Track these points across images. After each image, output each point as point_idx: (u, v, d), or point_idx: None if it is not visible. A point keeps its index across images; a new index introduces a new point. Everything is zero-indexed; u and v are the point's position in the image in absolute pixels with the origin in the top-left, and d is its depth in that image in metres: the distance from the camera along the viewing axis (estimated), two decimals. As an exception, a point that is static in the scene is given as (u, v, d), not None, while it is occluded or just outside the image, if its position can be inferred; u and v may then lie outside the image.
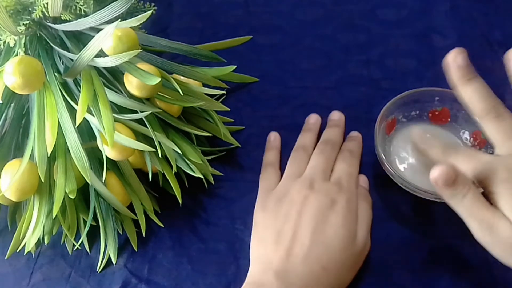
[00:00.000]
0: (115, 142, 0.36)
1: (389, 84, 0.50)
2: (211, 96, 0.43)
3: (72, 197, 0.38)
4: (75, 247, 0.42)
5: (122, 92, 0.40)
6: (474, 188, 0.31)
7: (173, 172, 0.41)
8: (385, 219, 0.42)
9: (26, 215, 0.40)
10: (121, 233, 0.43)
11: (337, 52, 0.53)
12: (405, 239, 0.41)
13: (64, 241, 0.43)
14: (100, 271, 0.42)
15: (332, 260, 0.37)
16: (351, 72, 0.52)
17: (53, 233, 0.41)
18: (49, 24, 0.39)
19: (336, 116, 0.48)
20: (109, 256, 0.42)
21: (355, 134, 0.47)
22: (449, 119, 0.46)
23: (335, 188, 0.40)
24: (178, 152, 0.40)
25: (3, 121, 0.40)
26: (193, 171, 0.41)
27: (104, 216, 0.41)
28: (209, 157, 0.45)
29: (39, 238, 0.40)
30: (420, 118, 0.46)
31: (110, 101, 0.37)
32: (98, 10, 0.36)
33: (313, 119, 0.48)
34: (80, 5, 0.40)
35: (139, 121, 0.39)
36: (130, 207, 0.42)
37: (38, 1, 0.38)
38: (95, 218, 0.41)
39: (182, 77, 0.43)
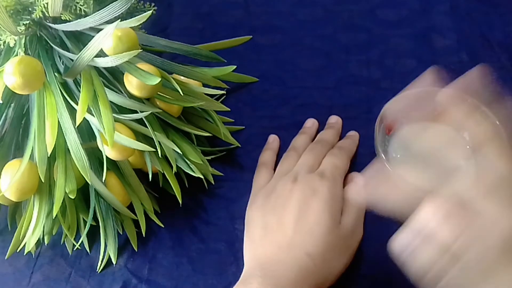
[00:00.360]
0: (115, 142, 0.36)
1: (389, 84, 0.50)
2: (211, 96, 0.43)
3: (72, 197, 0.38)
4: (75, 247, 0.42)
5: (122, 92, 0.40)
6: None
7: (173, 172, 0.41)
8: (384, 218, 0.42)
9: (26, 215, 0.40)
10: (121, 233, 0.43)
11: (337, 52, 0.53)
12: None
13: (64, 241, 0.43)
14: (100, 271, 0.42)
15: (316, 246, 0.37)
16: (351, 72, 0.52)
17: (53, 233, 0.41)
18: (49, 24, 0.39)
19: (333, 119, 0.48)
20: (109, 256, 0.42)
21: (351, 133, 0.47)
22: (449, 119, 0.46)
23: (317, 177, 0.40)
24: (178, 152, 0.40)
25: (3, 121, 0.40)
26: (193, 171, 0.41)
27: (104, 216, 0.41)
28: (209, 157, 0.45)
29: (39, 238, 0.40)
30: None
31: (110, 101, 0.37)
32: (98, 10, 0.36)
33: (309, 123, 0.48)
34: (80, 5, 0.40)
35: (139, 121, 0.39)
36: (130, 207, 0.42)
37: (38, 1, 0.38)
38: (95, 218, 0.41)
39: (182, 77, 0.43)
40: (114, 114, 0.36)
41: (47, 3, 0.37)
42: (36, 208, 0.39)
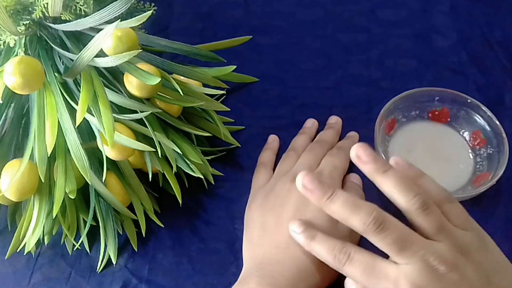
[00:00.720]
0: (115, 142, 0.36)
1: (389, 84, 0.51)
2: (211, 96, 0.43)
3: (72, 197, 0.38)
4: (75, 247, 0.42)
5: (122, 92, 0.40)
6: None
7: (173, 172, 0.41)
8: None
9: (26, 215, 0.40)
10: (121, 233, 0.43)
11: (337, 52, 0.53)
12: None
13: (64, 241, 0.43)
14: (100, 271, 0.42)
15: None
16: (351, 72, 0.52)
17: (53, 233, 0.41)
18: (49, 24, 0.39)
19: (333, 120, 0.48)
20: (109, 256, 0.42)
21: (351, 133, 0.47)
22: (449, 119, 0.46)
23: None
24: (178, 152, 0.40)
25: (3, 121, 0.40)
26: (193, 171, 0.41)
27: (104, 216, 0.41)
28: (209, 157, 0.45)
29: (39, 238, 0.40)
30: (420, 118, 0.46)
31: (110, 101, 0.37)
32: (98, 10, 0.36)
33: (309, 123, 0.48)
34: (80, 5, 0.40)
35: (139, 121, 0.39)
36: (130, 207, 0.42)
37: (38, 1, 0.38)
38: (95, 218, 0.41)
39: (182, 77, 0.43)
40: (114, 114, 0.36)
41: (47, 3, 0.37)
42: (36, 208, 0.39)
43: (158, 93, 0.40)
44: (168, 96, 0.41)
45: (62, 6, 0.37)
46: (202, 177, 0.42)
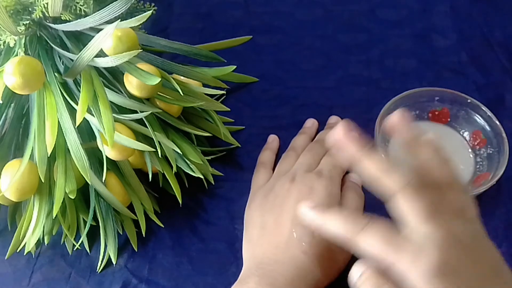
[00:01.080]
0: (115, 142, 0.36)
1: (389, 84, 0.51)
2: (211, 96, 0.43)
3: (72, 197, 0.38)
4: (75, 247, 0.42)
5: (122, 92, 0.40)
6: None
7: (173, 172, 0.41)
8: (382, 216, 0.42)
9: (26, 215, 0.40)
10: (121, 233, 0.43)
11: (337, 52, 0.53)
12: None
13: (64, 241, 0.43)
14: (100, 271, 0.42)
15: (312, 244, 0.36)
16: (351, 72, 0.52)
17: (53, 233, 0.41)
18: (49, 24, 0.39)
19: (333, 119, 0.48)
20: (109, 256, 0.42)
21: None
22: (449, 119, 0.46)
23: (315, 176, 0.40)
24: (178, 152, 0.40)
25: (3, 121, 0.40)
26: (193, 171, 0.41)
27: (104, 216, 0.41)
28: (209, 157, 0.45)
29: (39, 238, 0.40)
30: (420, 118, 0.46)
31: (110, 101, 0.37)
32: (98, 10, 0.36)
33: (309, 123, 0.48)
34: (80, 5, 0.40)
35: (139, 121, 0.39)
36: (130, 207, 0.42)
37: (38, 1, 0.38)
38: (95, 218, 0.41)
39: (182, 77, 0.43)
40: (114, 114, 0.36)
41: (47, 3, 0.37)
42: (36, 208, 0.39)
43: (158, 93, 0.40)
44: (168, 96, 0.41)
45: (62, 6, 0.37)
46: (202, 177, 0.42)
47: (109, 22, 0.35)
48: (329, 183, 0.40)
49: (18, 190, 0.37)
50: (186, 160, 0.41)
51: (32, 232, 0.39)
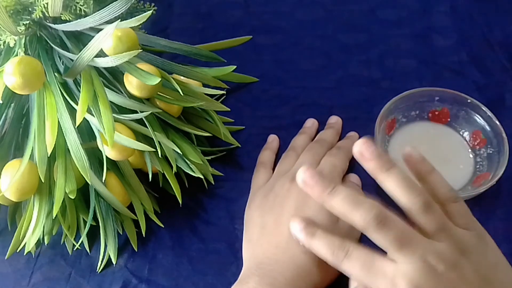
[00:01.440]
0: (115, 142, 0.36)
1: (389, 84, 0.51)
2: (211, 96, 0.43)
3: (72, 197, 0.38)
4: (75, 247, 0.42)
5: (122, 92, 0.40)
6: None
7: (173, 172, 0.41)
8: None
9: (26, 215, 0.40)
10: (121, 233, 0.43)
11: (337, 52, 0.53)
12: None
13: (64, 241, 0.43)
14: (100, 271, 0.42)
15: None
16: (351, 72, 0.52)
17: (53, 233, 0.41)
18: (49, 24, 0.39)
19: (333, 119, 0.48)
20: (109, 256, 0.42)
21: (351, 134, 0.47)
22: (449, 119, 0.46)
23: None
24: (178, 152, 0.40)
25: (3, 121, 0.40)
26: (193, 171, 0.41)
27: (104, 216, 0.41)
28: (209, 157, 0.45)
29: (39, 238, 0.40)
30: (420, 118, 0.46)
31: (110, 101, 0.37)
32: (98, 10, 0.36)
33: (309, 123, 0.48)
34: (80, 5, 0.40)
35: (139, 121, 0.39)
36: (130, 207, 0.42)
37: (38, 1, 0.38)
38: (95, 218, 0.41)
39: (182, 77, 0.43)
40: (114, 114, 0.36)
41: (47, 3, 0.37)
42: (36, 208, 0.39)
43: (158, 93, 0.40)
44: (168, 96, 0.41)
45: (62, 6, 0.37)
46: (202, 177, 0.42)
47: (109, 22, 0.35)
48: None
49: (18, 190, 0.37)
50: (186, 160, 0.41)
51: (32, 232, 0.39)
